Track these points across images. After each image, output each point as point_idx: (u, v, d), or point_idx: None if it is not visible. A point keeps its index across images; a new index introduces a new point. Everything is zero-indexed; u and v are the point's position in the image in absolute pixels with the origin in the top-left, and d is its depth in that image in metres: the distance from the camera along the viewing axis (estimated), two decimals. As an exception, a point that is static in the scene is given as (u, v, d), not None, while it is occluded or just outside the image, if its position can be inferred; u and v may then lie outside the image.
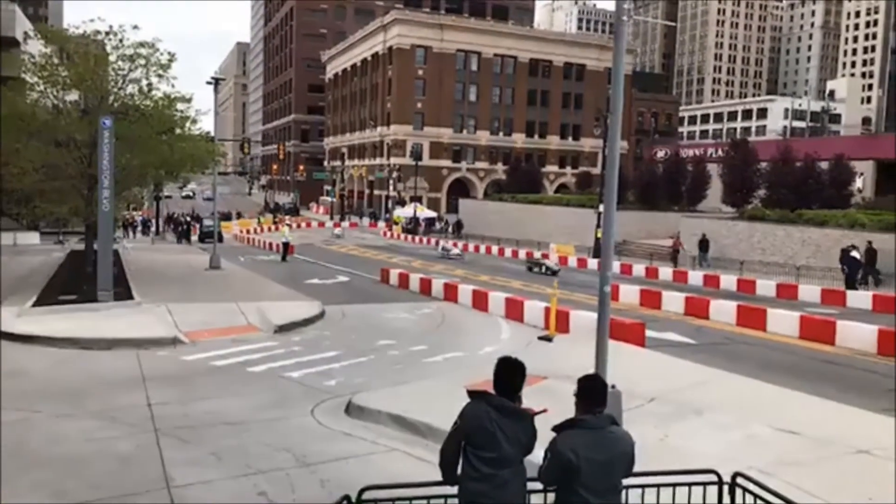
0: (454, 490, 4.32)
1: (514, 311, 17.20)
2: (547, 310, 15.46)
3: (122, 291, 18.40)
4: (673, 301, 19.56)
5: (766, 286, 24.32)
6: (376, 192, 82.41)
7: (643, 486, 4.82)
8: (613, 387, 7.84)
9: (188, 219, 57.49)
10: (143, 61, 21.45)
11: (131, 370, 11.27)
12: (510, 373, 4.30)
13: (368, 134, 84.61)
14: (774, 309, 17.30)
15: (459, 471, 4.28)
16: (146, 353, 12.42)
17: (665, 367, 11.79)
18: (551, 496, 4.33)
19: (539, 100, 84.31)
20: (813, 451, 7.67)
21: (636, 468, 4.77)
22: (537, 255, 36.61)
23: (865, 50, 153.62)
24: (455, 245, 43.25)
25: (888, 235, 27.46)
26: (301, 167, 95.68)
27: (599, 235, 34.98)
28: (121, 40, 21.49)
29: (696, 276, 28.06)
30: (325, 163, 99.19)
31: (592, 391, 4.22)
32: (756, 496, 4.67)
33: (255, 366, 11.82)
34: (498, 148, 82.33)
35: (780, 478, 6.56)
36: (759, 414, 8.87)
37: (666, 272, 29.56)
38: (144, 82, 22.02)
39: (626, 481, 4.37)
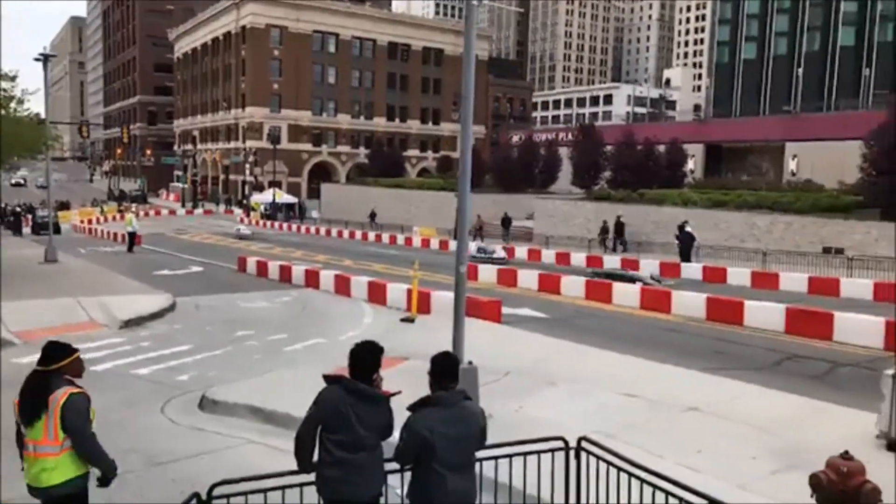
0: (311, 477, 4.27)
1: (376, 294, 17.21)
2: (409, 292, 15.61)
3: (-62, 291, 16.42)
4: (528, 278, 20.44)
5: (611, 261, 25.98)
6: (232, 177, 79.07)
7: (496, 458, 4.99)
8: (470, 363, 8.10)
9: (17, 209, 52.21)
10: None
11: (-50, 378, 10.10)
12: (364, 356, 4.29)
13: (222, 116, 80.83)
14: (619, 283, 18.55)
15: (316, 458, 4.24)
16: (-32, 358, 11.19)
17: (520, 341, 12.30)
18: (409, 475, 4.38)
19: (399, 84, 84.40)
20: (651, 411, 8.32)
21: (492, 441, 4.95)
22: (490, 246, 31.32)
23: (696, 42, 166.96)
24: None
25: (678, 209, 31.80)
26: (148, 151, 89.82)
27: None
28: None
29: (548, 255, 29.46)
30: (176, 147, 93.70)
31: (444, 368, 4.30)
32: (598, 458, 4.98)
33: (99, 364, 10.98)
34: (359, 131, 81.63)
35: (622, 439, 7.07)
36: (605, 381, 9.48)
37: (522, 251, 30.78)
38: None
39: (479, 454, 4.51)
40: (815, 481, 5.06)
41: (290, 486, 4.39)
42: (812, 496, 5.09)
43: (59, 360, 4.52)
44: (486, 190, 49.41)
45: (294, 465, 4.28)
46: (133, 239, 31.47)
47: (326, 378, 4.32)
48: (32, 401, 4.39)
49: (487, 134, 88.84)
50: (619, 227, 33.66)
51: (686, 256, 26.07)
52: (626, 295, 17.44)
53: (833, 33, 62.58)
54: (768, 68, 66.76)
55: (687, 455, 6.80)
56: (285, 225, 51.74)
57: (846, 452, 5.07)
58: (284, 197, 62.38)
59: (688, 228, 26.85)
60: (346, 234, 44.52)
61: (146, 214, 60.20)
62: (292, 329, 13.96)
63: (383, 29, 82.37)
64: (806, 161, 41.71)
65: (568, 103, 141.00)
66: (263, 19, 74.36)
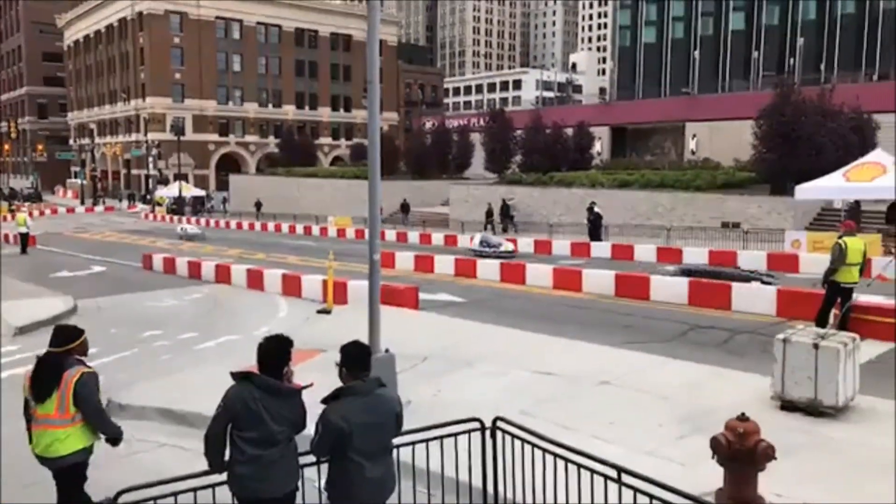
0: (224, 477, 4.17)
1: (291, 287, 16.90)
2: (324, 282, 15.40)
3: None
4: (444, 264, 20.58)
5: (525, 244, 26.51)
6: (134, 171, 75.53)
7: (413, 443, 5.02)
8: (387, 351, 8.08)
9: None
10: None
11: None
12: (272, 350, 4.23)
13: (121, 108, 76.93)
14: (532, 264, 18.97)
15: (227, 457, 4.15)
16: None
17: (438, 326, 12.38)
18: (326, 467, 4.35)
19: (308, 71, 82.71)
20: (565, 387, 8.56)
21: (411, 426, 4.98)
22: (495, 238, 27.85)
23: (600, 27, 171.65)
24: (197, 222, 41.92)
25: (587, 190, 33.17)
26: (40, 147, 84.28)
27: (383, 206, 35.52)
28: None
29: (465, 240, 29.72)
30: (72, 141, 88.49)
31: (355, 358, 4.27)
32: (514, 436, 5.08)
33: (-9, 375, 10.30)
34: (268, 120, 79.57)
35: (538, 415, 7.26)
36: (521, 360, 9.68)
37: (438, 237, 30.94)
38: None
39: (396, 441, 4.52)
40: (715, 443, 5.37)
41: (203, 488, 4.27)
42: (713, 457, 5.41)
43: (70, 341, 5.01)
44: (400, 177, 49.34)
45: (206, 466, 4.17)
46: (26, 240, 29.65)
47: (234, 375, 4.23)
48: (48, 378, 4.83)
49: (400, 121, 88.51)
50: (505, 209, 34.85)
51: (596, 236, 26.91)
52: (539, 275, 17.84)
53: (724, 18, 65.66)
54: (667, 52, 69.44)
55: (600, 427, 7.05)
56: (193, 220, 49.95)
57: (743, 415, 5.40)
58: (192, 190, 60.13)
59: (596, 209, 27.70)
60: (257, 225, 43.42)
61: (41, 213, 56.73)
62: (203, 327, 13.52)
63: (289, 14, 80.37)
64: (705, 140, 43.79)
65: (479, 89, 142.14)
66: (162, 5, 71.11)
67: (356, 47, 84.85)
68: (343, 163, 72.60)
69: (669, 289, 14.98)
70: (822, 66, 53.02)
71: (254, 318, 14.18)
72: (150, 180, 67.69)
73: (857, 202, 24.07)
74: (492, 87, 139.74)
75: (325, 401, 4.15)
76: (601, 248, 24.57)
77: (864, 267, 11.29)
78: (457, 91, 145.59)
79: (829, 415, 7.20)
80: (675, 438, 6.77)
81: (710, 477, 5.43)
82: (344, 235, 36.06)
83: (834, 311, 11.12)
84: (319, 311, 14.36)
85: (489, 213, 35.10)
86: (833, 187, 21.74)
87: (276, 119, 79.76)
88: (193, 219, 48.26)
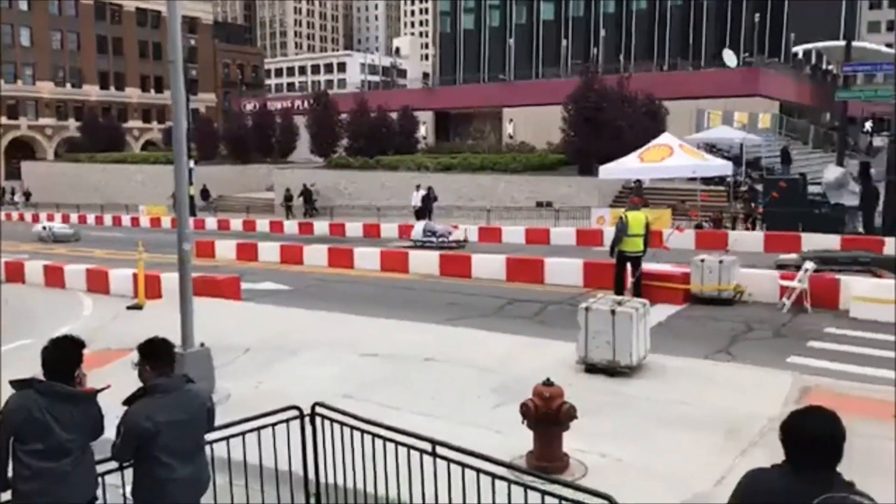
0: (7, 496, 3.77)
1: (97, 282, 15.51)
2: (135, 276, 14.33)
3: None
4: (269, 251, 20.00)
5: (354, 228, 26.47)
6: None
7: (227, 438, 4.84)
8: (202, 344, 7.74)
9: None
10: None
11: None
12: (58, 353, 3.85)
13: None
14: (360, 248, 18.99)
15: (12, 473, 3.74)
16: None
17: (261, 316, 12.02)
18: (130, 472, 4.08)
19: (112, 47, 75.79)
20: (389, 367, 8.69)
21: (231, 420, 4.80)
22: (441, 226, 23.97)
23: (421, 12, 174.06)
24: None
25: (413, 174, 33.78)
26: None
27: (193, 192, 33.60)
28: None
29: (291, 225, 29.08)
30: None
31: (154, 354, 4.03)
32: (332, 420, 5.08)
33: None
34: (67, 101, 72.05)
35: (362, 398, 7.32)
36: (347, 345, 9.66)
37: (263, 224, 29.98)
38: None
39: (210, 436, 4.34)
40: (524, 409, 5.74)
41: (-17, 511, 3.83)
42: (523, 422, 5.77)
43: None
44: (220, 161, 47.02)
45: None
46: None
47: (14, 383, 3.81)
48: None
49: (218, 103, 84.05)
50: (307, 193, 34.84)
51: (422, 218, 27.43)
52: (367, 259, 17.89)
53: (536, 8, 69.26)
54: (485, 39, 72.02)
55: (422, 403, 7.25)
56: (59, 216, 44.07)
57: (548, 380, 5.81)
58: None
59: (421, 192, 28.26)
60: (57, 217, 39.30)
61: None
62: (-9, 332, 12.04)
63: (84, -15, 73.10)
64: (521, 124, 46.02)
65: (302, 71, 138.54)
66: (-77, -34, 61.64)
67: (166, 24, 78.99)
68: (156, 147, 67.69)
69: (488, 266, 15.69)
70: (622, 57, 57.72)
71: (53, 319, 12.85)
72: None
73: (639, 180, 26.59)
74: (315, 70, 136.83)
75: (127, 401, 3.89)
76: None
77: (649, 237, 12.49)
78: (279, 72, 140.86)
79: (626, 374, 7.96)
80: (492, 407, 7.14)
81: (524, 441, 5.81)
82: (159, 225, 33.73)
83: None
84: (130, 308, 13.35)
85: (288, 198, 34.67)
86: (631, 167, 23.91)
87: (77, 100, 72.42)
88: (58, 214, 38.47)
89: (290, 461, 5.16)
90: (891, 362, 7.99)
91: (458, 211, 29.50)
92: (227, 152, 48.19)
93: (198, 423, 4.08)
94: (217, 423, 4.47)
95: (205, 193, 39.82)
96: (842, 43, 31.31)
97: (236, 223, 30.97)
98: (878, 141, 39.54)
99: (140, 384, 3.99)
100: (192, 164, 38.67)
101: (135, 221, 35.65)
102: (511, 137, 45.52)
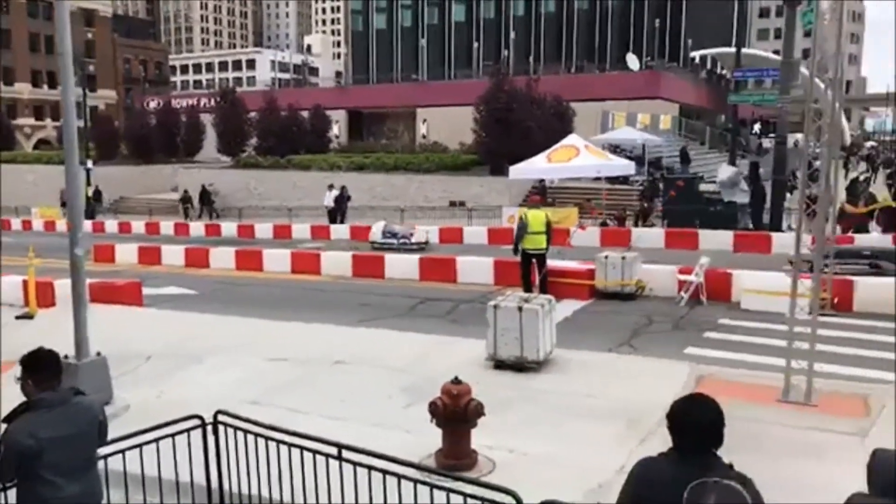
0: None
1: (-20, 291, 14.47)
2: (25, 283, 13.45)
3: None
4: (173, 254, 19.26)
5: (263, 229, 25.87)
6: None
7: (123, 451, 4.63)
8: (98, 354, 7.37)
9: None
10: None
11: None
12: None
13: None
14: (270, 249, 18.58)
15: None
16: None
17: (164, 322, 11.55)
18: (13, 493, 3.83)
19: (-1, 39, 70.97)
20: (300, 371, 8.54)
21: (127, 432, 4.58)
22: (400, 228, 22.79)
23: (333, 10, 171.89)
24: None
25: (325, 174, 33.49)
26: None
27: (90, 194, 31.97)
28: None
29: (198, 227, 28.12)
30: None
31: (39, 367, 3.80)
32: (236, 428, 4.94)
33: None
34: (-55, 96, 66.85)
35: (269, 403, 7.17)
36: (255, 349, 9.42)
37: (168, 226, 28.84)
38: None
39: (104, 450, 4.15)
40: (432, 408, 5.77)
41: None
42: (432, 420, 5.81)
43: None
44: (122, 161, 44.93)
45: None
46: None
47: None
48: None
49: (119, 100, 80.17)
50: (205, 195, 34.01)
51: (335, 218, 27.17)
52: (276, 260, 17.53)
53: (448, 9, 69.81)
54: (398, 38, 71.96)
55: (331, 407, 7.17)
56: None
57: (456, 378, 5.87)
58: None
59: (334, 192, 27.95)
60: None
61: None
62: None
63: (-36, -29, 68.03)
64: (434, 125, 46.24)
65: (209, 68, 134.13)
66: None
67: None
68: (50, 146, 63.84)
69: (402, 266, 15.69)
70: (531, 59, 59.00)
71: (-72, 333, 11.91)
72: None
73: (542, 180, 27.30)
74: (224, 67, 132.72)
75: (7, 418, 3.66)
76: (339, 231, 24.89)
77: (551, 235, 12.77)
78: (185, 69, 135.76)
79: (533, 369, 8.15)
80: (403, 408, 7.15)
81: (434, 440, 5.84)
82: (53, 229, 31.79)
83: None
84: (19, 317, 12.52)
85: (186, 199, 33.66)
86: (539, 167, 24.49)
87: (-43, 95, 67.40)
88: None
89: (191, 472, 4.98)
90: (774, 350, 8.51)
91: (372, 211, 29.34)
92: (128, 152, 46.13)
93: (87, 437, 3.88)
94: (114, 435, 4.29)
95: (97, 195, 37.79)
96: (733, 49, 33.15)
97: (139, 226, 29.65)
98: (767, 142, 42.16)
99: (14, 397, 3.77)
100: (90, 164, 36.76)
101: (27, 224, 33.54)
102: (424, 137, 45.70)
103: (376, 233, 21.27)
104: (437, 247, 21.15)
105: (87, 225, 27.67)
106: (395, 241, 20.85)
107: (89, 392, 5.24)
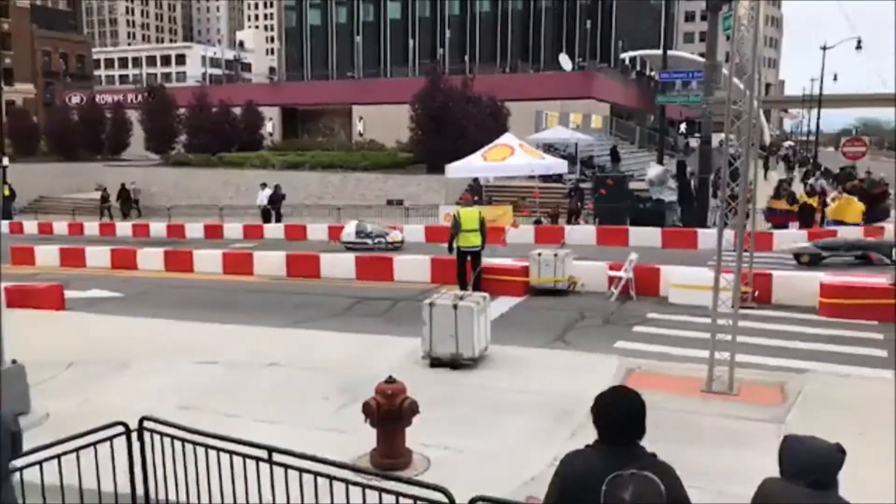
0: None
1: None
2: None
3: None
4: (98, 256, 18.52)
5: (194, 229, 25.17)
6: None
7: (40, 462, 4.43)
8: (14, 362, 7.04)
9: None
10: None
11: None
12: None
13: None
14: (201, 249, 18.10)
15: None
16: None
17: (88, 326, 11.10)
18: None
19: None
20: (231, 374, 8.36)
21: (46, 442, 4.39)
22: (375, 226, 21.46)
23: (266, 5, 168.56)
24: None
25: (259, 172, 32.95)
26: None
27: (7, 193, 30.45)
28: None
29: (125, 227, 27.15)
30: None
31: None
32: (162, 434, 4.80)
33: None
34: None
35: (199, 408, 7.00)
36: (185, 353, 9.15)
37: (93, 226, 27.72)
38: None
39: (18, 462, 3.97)
40: (366, 408, 5.74)
41: None
42: (366, 420, 5.78)
43: None
44: (42, 159, 42.90)
45: None
46: None
47: None
48: None
49: (38, 94, 76.47)
50: (124, 193, 33.14)
51: (269, 218, 26.67)
52: (207, 261, 17.09)
53: (384, 6, 69.45)
54: (333, 35, 71.13)
55: (264, 410, 7.04)
56: None
57: (390, 377, 5.86)
58: None
59: (268, 190, 27.44)
60: None
61: None
62: None
63: None
64: (370, 122, 45.97)
65: (136, 62, 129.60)
66: None
67: (-30, 4, 70.72)
68: (-38, 143, 60.39)
69: (338, 265, 15.54)
70: (467, 58, 59.34)
71: None
72: None
73: (476, 178, 27.51)
74: (151, 61, 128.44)
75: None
76: (274, 230, 24.47)
77: (485, 233, 12.86)
78: (109, 63, 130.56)
79: (469, 366, 8.22)
80: (337, 409, 7.09)
81: (368, 440, 5.81)
82: (-33, 230, 30.16)
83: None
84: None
85: (105, 199, 32.60)
86: (475, 166, 24.66)
87: None
88: None
89: (115, 481, 4.81)
90: (699, 342, 8.82)
91: (307, 210, 28.98)
92: (49, 149, 44.08)
93: (1, 449, 3.71)
94: (31, 445, 4.11)
95: (12, 194, 35.76)
96: (660, 52, 34.19)
97: (61, 226, 28.36)
98: (693, 142, 43.69)
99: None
100: (6, 161, 34.83)
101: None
102: (361, 135, 45.37)
103: (350, 233, 20.34)
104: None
105: (4, 225, 26.34)
106: (369, 240, 20.00)
107: (4, 403, 5.03)
